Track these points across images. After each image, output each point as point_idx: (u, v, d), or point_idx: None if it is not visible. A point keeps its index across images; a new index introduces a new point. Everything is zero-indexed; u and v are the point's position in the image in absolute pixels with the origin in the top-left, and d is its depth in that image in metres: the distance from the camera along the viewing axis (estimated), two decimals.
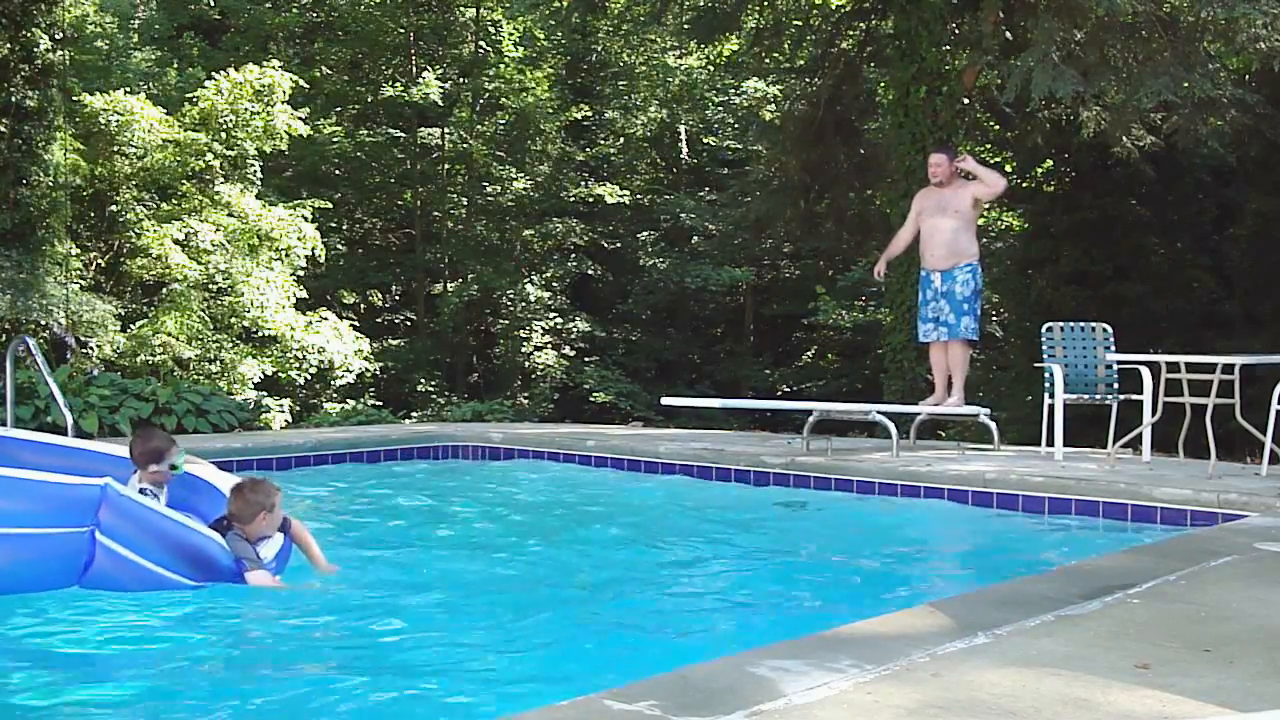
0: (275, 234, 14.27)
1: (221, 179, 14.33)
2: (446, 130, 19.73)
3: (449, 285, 20.00)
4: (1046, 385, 7.37)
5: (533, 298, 19.21)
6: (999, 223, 18.26)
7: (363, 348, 15.30)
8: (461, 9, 20.24)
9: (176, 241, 13.43)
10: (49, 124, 11.26)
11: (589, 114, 20.51)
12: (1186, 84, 9.59)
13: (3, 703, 3.01)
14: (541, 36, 21.13)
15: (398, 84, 19.28)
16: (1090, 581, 3.46)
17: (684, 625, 3.94)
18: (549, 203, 20.16)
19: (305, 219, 14.77)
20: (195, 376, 12.93)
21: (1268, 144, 12.28)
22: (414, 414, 16.08)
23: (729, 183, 20.23)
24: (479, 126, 20.23)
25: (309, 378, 14.83)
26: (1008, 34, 12.04)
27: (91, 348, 12.24)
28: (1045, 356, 7.48)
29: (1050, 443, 7.21)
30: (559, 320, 19.63)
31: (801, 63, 15.08)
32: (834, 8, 14.79)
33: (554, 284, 19.87)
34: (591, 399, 18.41)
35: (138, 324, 13.34)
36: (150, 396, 9.36)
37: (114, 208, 13.99)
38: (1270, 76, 11.00)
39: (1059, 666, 2.56)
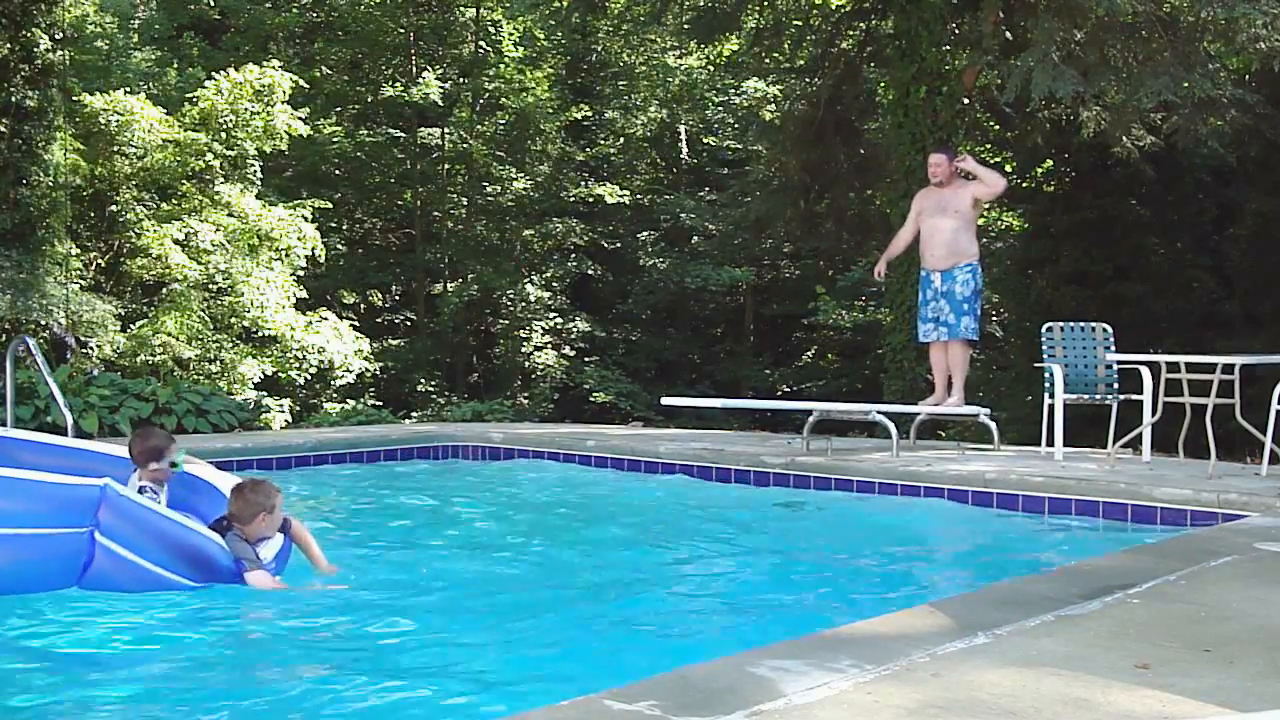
0: (275, 234, 14.28)
1: (221, 179, 14.34)
2: (446, 130, 19.73)
3: (449, 285, 20.01)
4: (1046, 385, 7.37)
5: (533, 298, 19.22)
6: (999, 223, 18.26)
7: (363, 348, 15.30)
8: (461, 9, 20.24)
9: (176, 241, 13.43)
10: (49, 124, 11.26)
11: (589, 114, 20.51)
12: (1186, 84, 9.59)
13: (2, 703, 3.00)
14: (541, 36, 21.13)
15: (398, 84, 19.28)
16: (1090, 581, 3.46)
17: (684, 625, 3.94)
18: (549, 203, 20.16)
19: (305, 219, 14.78)
20: (195, 376, 12.93)
21: (1268, 144, 12.28)
22: (414, 414, 16.08)
23: (729, 183, 20.23)
24: (479, 126, 20.24)
25: (309, 378, 14.83)
26: (1008, 34, 12.04)
27: (91, 348, 12.24)
28: (1045, 356, 7.48)
29: (1050, 443, 7.21)
30: (559, 320, 19.63)
31: (801, 63, 15.08)
32: (834, 8, 14.78)
33: (554, 284, 19.88)
34: (591, 399, 18.41)
35: (138, 324, 13.34)
36: (150, 396, 9.36)
37: (114, 208, 13.99)
38: (1270, 76, 10.99)
39: (1059, 666, 2.56)
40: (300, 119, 14.86)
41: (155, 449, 4.56)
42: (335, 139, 18.71)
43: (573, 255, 20.21)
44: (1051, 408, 7.22)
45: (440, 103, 18.68)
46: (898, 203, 11.09)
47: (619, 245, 20.68)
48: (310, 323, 14.64)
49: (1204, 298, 14.85)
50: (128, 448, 4.65)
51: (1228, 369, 6.09)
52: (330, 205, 17.28)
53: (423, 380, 18.61)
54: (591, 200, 19.84)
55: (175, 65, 17.32)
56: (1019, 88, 9.69)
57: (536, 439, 8.66)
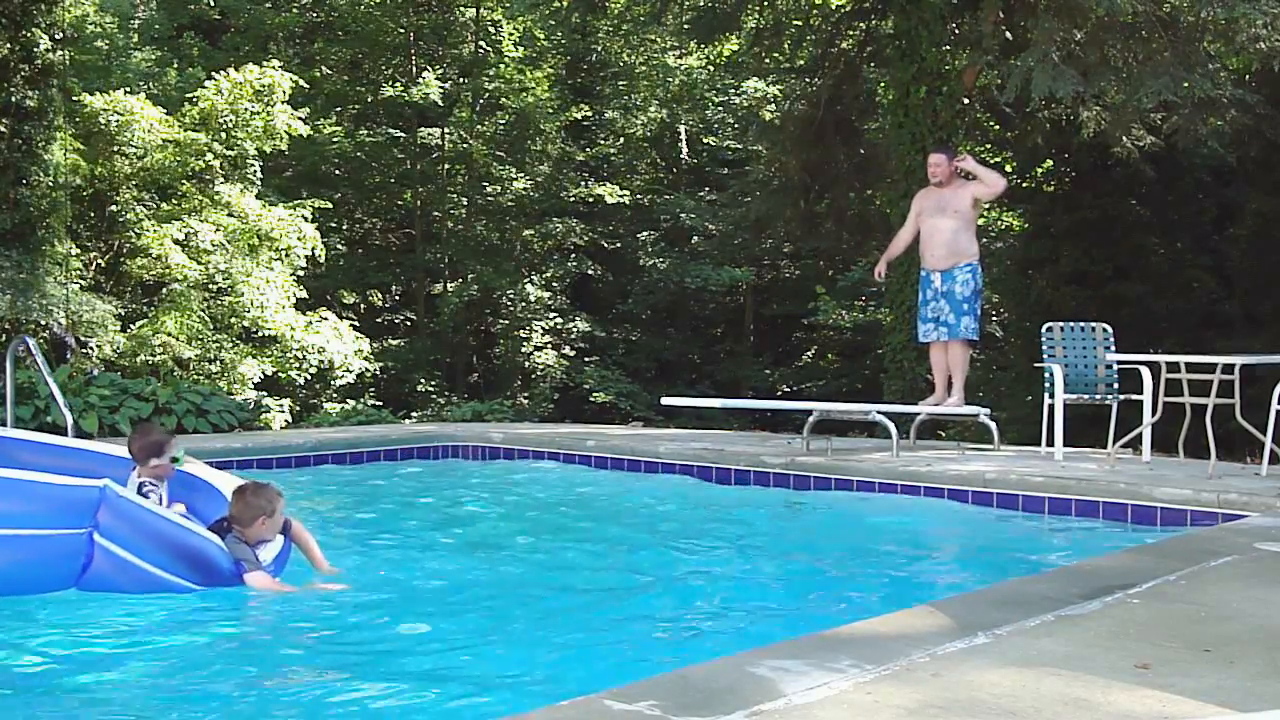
0: (275, 234, 14.28)
1: (221, 179, 14.34)
2: (446, 130, 19.73)
3: (449, 285, 20.01)
4: (1046, 385, 7.37)
5: (533, 298, 19.22)
6: (999, 223, 18.26)
7: (363, 348, 15.30)
8: (461, 9, 20.24)
9: (176, 241, 13.43)
10: (49, 124, 11.26)
11: (589, 114, 20.52)
12: (1186, 84, 9.59)
13: (2, 704, 3.00)
14: (541, 36, 21.13)
15: (398, 84, 19.28)
16: (1090, 581, 3.46)
17: (684, 625, 3.94)
18: (549, 203, 20.16)
19: (305, 219, 14.78)
20: (195, 376, 12.93)
21: (1268, 144, 12.28)
22: (414, 414, 16.08)
23: (729, 183, 20.24)
24: (479, 126, 20.24)
25: (309, 378, 14.83)
26: (1008, 34, 12.04)
27: (91, 348, 12.24)
28: (1045, 356, 7.47)
29: (1050, 443, 7.21)
30: (559, 320, 19.64)
31: (801, 63, 15.08)
32: (834, 8, 14.79)
33: (554, 284, 19.88)
34: (591, 399, 18.41)
35: (138, 324, 13.34)
36: (150, 396, 9.37)
37: (114, 208, 13.99)
38: (1270, 76, 10.99)
39: (1059, 666, 2.56)
40: (300, 119, 14.86)
41: (155, 444, 4.55)
42: (335, 139, 18.72)
43: (573, 255, 20.21)
44: (1051, 408, 7.22)
45: (440, 103, 18.69)
46: (898, 203, 11.09)
47: (619, 245, 20.68)
48: (310, 323, 14.64)
49: (1204, 298, 14.85)
50: (127, 445, 4.64)
51: (1228, 369, 6.09)
52: (330, 205, 17.28)
53: (423, 380, 18.62)
54: (591, 200, 19.84)
55: (175, 65, 17.31)
56: (1019, 88, 9.69)
57: (536, 439, 8.66)
